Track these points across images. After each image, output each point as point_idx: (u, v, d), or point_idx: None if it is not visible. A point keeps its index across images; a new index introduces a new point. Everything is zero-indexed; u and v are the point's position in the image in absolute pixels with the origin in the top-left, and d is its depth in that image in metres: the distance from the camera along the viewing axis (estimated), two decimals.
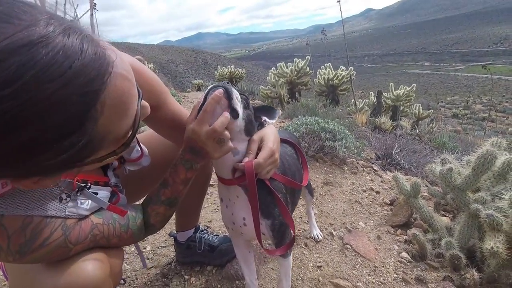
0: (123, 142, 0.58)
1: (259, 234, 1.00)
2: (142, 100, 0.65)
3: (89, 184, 0.80)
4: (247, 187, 1.00)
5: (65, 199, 0.73)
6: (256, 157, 0.97)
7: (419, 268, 1.56)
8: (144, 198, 1.00)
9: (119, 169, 0.98)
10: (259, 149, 0.99)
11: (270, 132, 1.04)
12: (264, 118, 1.06)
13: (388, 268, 1.57)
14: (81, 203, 0.78)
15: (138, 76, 0.88)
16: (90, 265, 0.76)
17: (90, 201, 0.80)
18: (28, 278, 0.76)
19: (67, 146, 0.45)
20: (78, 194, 0.77)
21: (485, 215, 1.28)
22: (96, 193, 0.82)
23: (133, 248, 1.72)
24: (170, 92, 1.02)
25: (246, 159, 0.96)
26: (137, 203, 1.04)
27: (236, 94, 0.91)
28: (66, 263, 0.74)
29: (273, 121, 1.07)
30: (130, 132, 0.59)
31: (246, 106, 0.96)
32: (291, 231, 1.06)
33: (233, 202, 1.06)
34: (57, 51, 0.42)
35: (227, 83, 0.93)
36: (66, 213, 0.75)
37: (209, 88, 0.92)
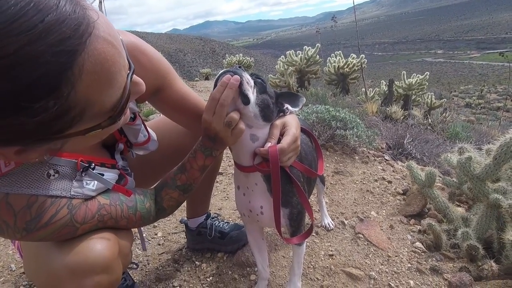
0: (109, 116, 0.54)
1: (279, 223, 0.98)
2: (136, 77, 0.61)
3: (93, 164, 0.79)
4: (266, 174, 0.97)
5: (53, 175, 0.72)
6: (278, 143, 0.93)
7: (434, 259, 1.52)
8: (159, 181, 0.99)
9: (127, 154, 0.98)
10: (281, 134, 0.95)
11: (292, 118, 1.00)
12: (286, 105, 1.01)
13: (402, 258, 1.55)
14: (87, 184, 0.78)
15: (141, 55, 0.86)
16: (99, 244, 0.76)
17: (96, 182, 0.80)
18: (39, 257, 0.77)
19: (40, 110, 0.42)
20: (83, 174, 0.77)
21: (507, 205, 1.23)
22: (102, 174, 0.82)
23: (144, 234, 1.74)
24: (177, 75, 0.99)
25: (269, 144, 0.92)
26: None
27: (247, 79, 0.87)
28: (75, 242, 0.75)
29: (296, 109, 1.01)
30: (119, 106, 0.54)
31: (262, 91, 0.92)
32: (310, 220, 1.04)
33: (251, 190, 1.03)
34: (28, 2, 0.39)
35: (239, 67, 0.89)
36: (72, 193, 0.75)
37: (219, 73, 0.88)
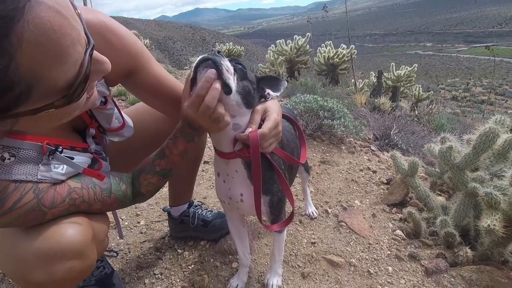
0: (64, 94, 0.49)
1: (260, 210, 0.97)
2: (99, 54, 0.56)
3: (61, 148, 0.76)
4: (247, 161, 0.96)
5: (8, 159, 0.68)
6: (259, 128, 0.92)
7: (412, 246, 1.56)
8: (137, 167, 0.97)
9: (100, 139, 0.94)
10: (262, 120, 0.94)
11: (274, 104, 0.98)
12: (268, 90, 0.98)
13: (382, 245, 1.58)
14: (55, 167, 0.75)
15: (111, 34, 0.81)
16: (71, 229, 0.74)
17: (65, 165, 0.76)
18: (7, 243, 0.74)
19: None
20: (50, 158, 0.74)
21: (483, 193, 1.26)
22: (72, 158, 0.78)
23: (126, 223, 1.71)
24: (153, 57, 0.95)
25: (249, 130, 0.91)
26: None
27: (227, 66, 0.83)
28: (44, 227, 0.72)
29: (278, 93, 0.99)
30: (75, 85, 0.50)
31: (243, 77, 0.89)
32: (292, 208, 1.04)
33: (231, 177, 1.02)
34: None
35: (218, 52, 0.85)
36: (38, 177, 0.72)
37: (198, 60, 0.84)
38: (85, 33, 0.51)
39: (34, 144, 0.72)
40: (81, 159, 0.82)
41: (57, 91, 0.48)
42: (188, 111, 0.83)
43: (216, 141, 0.98)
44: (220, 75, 0.80)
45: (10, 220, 0.69)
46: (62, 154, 0.76)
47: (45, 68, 0.44)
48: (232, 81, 0.84)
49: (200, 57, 0.84)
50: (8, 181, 0.67)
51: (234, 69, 0.87)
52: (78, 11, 0.50)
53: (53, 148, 0.74)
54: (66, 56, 0.46)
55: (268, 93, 0.98)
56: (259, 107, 0.94)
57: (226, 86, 0.82)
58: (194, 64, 0.84)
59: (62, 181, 0.77)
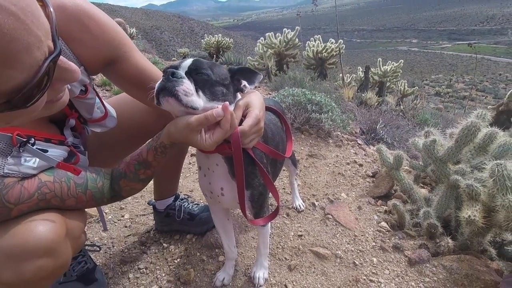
0: (7, 100, 0.45)
1: (244, 204, 0.96)
2: (67, 62, 0.53)
3: (33, 139, 0.71)
4: (227, 156, 0.94)
5: None
6: (240, 124, 0.90)
7: (397, 237, 1.60)
8: (116, 169, 0.92)
9: (81, 130, 0.90)
10: (244, 116, 0.92)
11: (256, 98, 0.96)
12: (244, 82, 0.94)
13: (367, 237, 1.60)
14: (26, 161, 0.71)
15: (89, 20, 0.77)
16: (41, 226, 0.70)
17: (37, 159, 0.72)
18: None
19: None
20: (21, 150, 0.69)
21: (464, 185, 1.30)
22: (46, 151, 0.74)
23: (110, 216, 1.67)
24: (136, 47, 0.91)
25: None
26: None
27: (183, 90, 0.78)
28: (11, 224, 0.69)
29: (252, 86, 0.95)
30: (23, 91, 0.46)
31: (210, 84, 0.84)
32: (277, 203, 1.03)
33: (212, 171, 1.01)
34: None
35: (172, 75, 0.79)
36: (5, 170, 0.68)
37: (156, 88, 0.79)
38: (53, 39, 0.47)
39: (2, 135, 0.67)
40: (56, 152, 0.78)
41: (5, 93, 0.44)
42: (176, 136, 0.83)
43: None
44: (179, 101, 0.78)
45: None
46: (34, 147, 0.71)
47: None
48: (196, 98, 0.81)
49: (157, 84, 0.80)
50: None
51: (196, 83, 0.83)
52: (51, 9, 0.47)
53: (24, 139, 0.70)
54: (14, 61, 0.42)
55: (244, 85, 0.94)
56: (241, 103, 0.92)
57: (191, 107, 0.80)
58: (155, 92, 0.81)
59: (33, 175, 0.73)
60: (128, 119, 1.11)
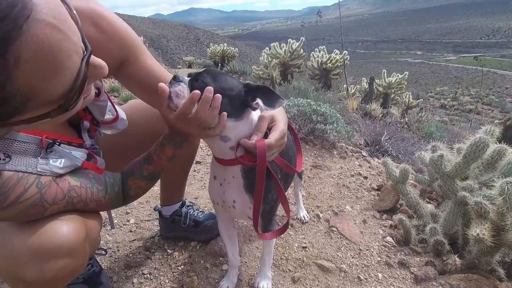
0: (60, 104, 0.49)
1: (257, 218, 0.96)
2: (96, 59, 0.56)
3: (59, 141, 0.75)
4: (245, 169, 0.95)
5: (3, 159, 0.67)
6: (265, 137, 0.90)
7: (402, 253, 1.57)
8: (125, 169, 0.95)
9: (94, 132, 0.93)
10: (269, 129, 0.92)
11: (281, 112, 0.97)
12: (258, 101, 0.87)
13: (372, 252, 1.58)
14: (53, 161, 0.74)
15: (103, 21, 0.80)
16: (65, 226, 0.72)
17: (63, 159, 0.75)
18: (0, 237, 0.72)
19: None
20: (49, 151, 0.73)
21: (473, 202, 1.28)
22: (70, 152, 0.78)
23: (116, 221, 1.68)
24: (147, 51, 0.93)
25: (255, 137, 0.88)
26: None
27: (175, 91, 0.82)
28: (39, 224, 0.71)
29: (271, 109, 0.87)
30: (71, 94, 0.50)
31: (199, 88, 0.81)
32: (287, 218, 1.03)
33: (228, 182, 1.01)
34: None
35: (173, 78, 0.85)
36: (38, 169, 0.70)
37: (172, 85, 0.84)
38: (83, 40, 0.50)
39: (33, 138, 0.71)
40: (78, 155, 0.81)
41: (53, 101, 0.48)
42: (175, 122, 0.83)
43: (214, 152, 0.99)
44: (171, 101, 0.82)
45: (11, 213, 0.67)
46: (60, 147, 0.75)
47: (41, 82, 0.44)
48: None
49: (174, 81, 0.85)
50: (9, 171, 0.66)
51: (194, 87, 0.82)
52: (74, 12, 0.49)
53: (51, 141, 0.73)
54: (62, 69, 0.46)
55: (257, 103, 0.87)
56: (267, 115, 0.92)
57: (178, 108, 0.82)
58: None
59: (61, 176, 0.76)
60: (139, 124, 1.13)
